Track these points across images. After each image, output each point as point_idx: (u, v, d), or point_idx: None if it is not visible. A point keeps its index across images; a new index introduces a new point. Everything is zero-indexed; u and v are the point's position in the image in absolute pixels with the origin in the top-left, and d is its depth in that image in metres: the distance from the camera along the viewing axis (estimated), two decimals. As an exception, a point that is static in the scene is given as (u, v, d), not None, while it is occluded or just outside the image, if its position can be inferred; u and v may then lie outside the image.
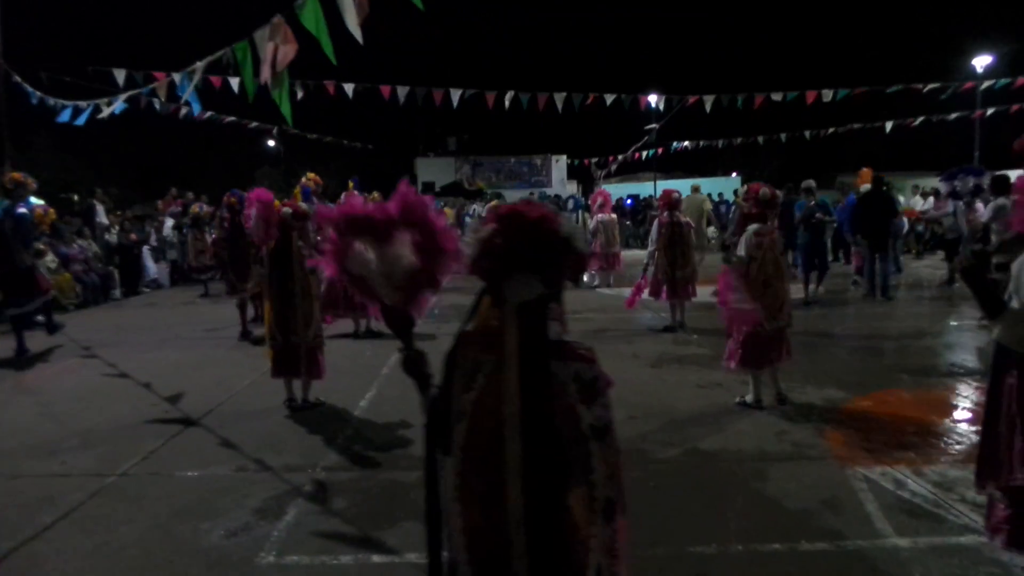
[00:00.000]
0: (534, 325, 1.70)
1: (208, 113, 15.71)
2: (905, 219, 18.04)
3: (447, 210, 23.03)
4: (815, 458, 4.27)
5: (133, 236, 14.42)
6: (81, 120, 9.01)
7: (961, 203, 9.95)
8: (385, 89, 12.78)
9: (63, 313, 11.24)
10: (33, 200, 14.84)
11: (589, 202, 14.31)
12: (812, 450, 4.40)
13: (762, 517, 3.53)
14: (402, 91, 12.81)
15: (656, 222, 8.61)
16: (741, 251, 5.07)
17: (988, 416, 2.50)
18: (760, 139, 22.10)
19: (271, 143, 36.00)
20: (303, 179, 13.27)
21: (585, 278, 12.88)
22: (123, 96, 7.90)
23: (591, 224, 11.97)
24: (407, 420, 5.06)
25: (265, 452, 4.52)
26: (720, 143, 23.47)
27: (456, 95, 12.98)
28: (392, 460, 4.39)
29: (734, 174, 34.89)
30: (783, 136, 21.44)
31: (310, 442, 4.75)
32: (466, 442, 1.72)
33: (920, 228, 18.04)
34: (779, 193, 5.60)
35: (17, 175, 8.22)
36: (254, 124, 18.60)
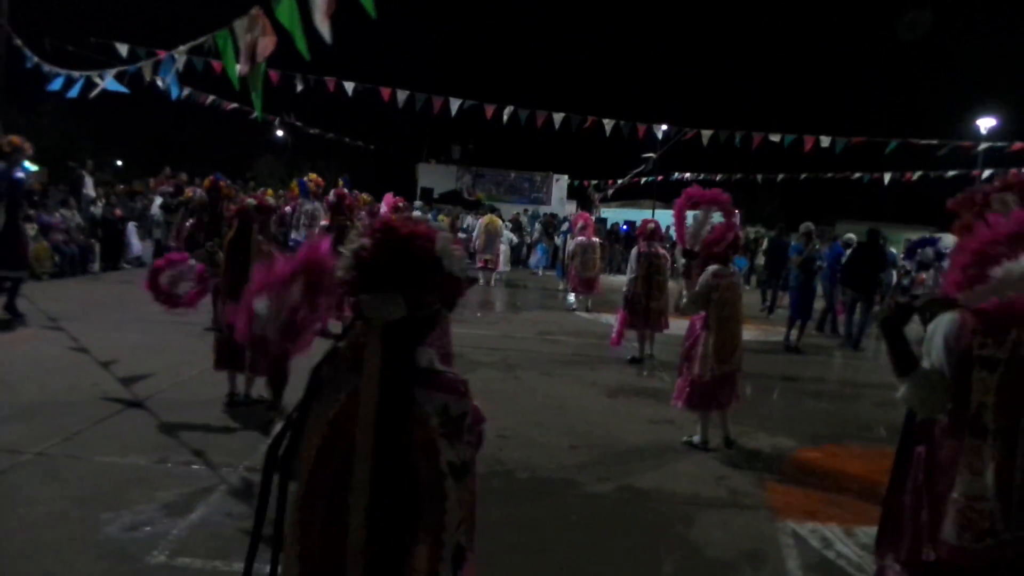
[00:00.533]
0: (399, 348, 1.62)
1: (211, 97, 15.69)
2: (894, 273, 18.09)
3: (442, 218, 23.00)
4: (748, 507, 4.18)
5: (118, 211, 14.32)
6: (73, 92, 8.95)
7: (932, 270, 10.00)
8: (385, 91, 12.76)
9: (37, 282, 11.15)
10: (28, 165, 14.82)
11: (570, 224, 14.27)
12: (747, 498, 4.31)
13: (678, 563, 3.44)
14: (402, 94, 12.80)
15: (634, 251, 8.56)
16: (699, 289, 4.98)
17: (893, 483, 2.41)
18: (759, 178, 22.15)
19: (279, 132, 36.03)
20: (305, 178, 13.25)
21: (570, 299, 12.84)
22: (112, 72, 7.85)
23: (569, 246, 11.91)
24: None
25: (191, 445, 4.42)
26: (719, 178, 23.51)
27: (455, 104, 12.96)
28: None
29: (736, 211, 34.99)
30: (780, 178, 21.47)
31: (240, 440, 4.65)
32: (315, 465, 1.63)
33: (906, 282, 18.01)
34: (742, 236, 5.55)
35: (15, 138, 8.16)
36: (255, 114, 18.47)
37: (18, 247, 7.92)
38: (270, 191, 16.38)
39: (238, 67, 5.16)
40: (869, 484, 4.69)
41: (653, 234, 8.45)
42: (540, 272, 19.89)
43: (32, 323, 7.93)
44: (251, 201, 5.11)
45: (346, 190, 10.65)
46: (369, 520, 1.56)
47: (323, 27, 4.29)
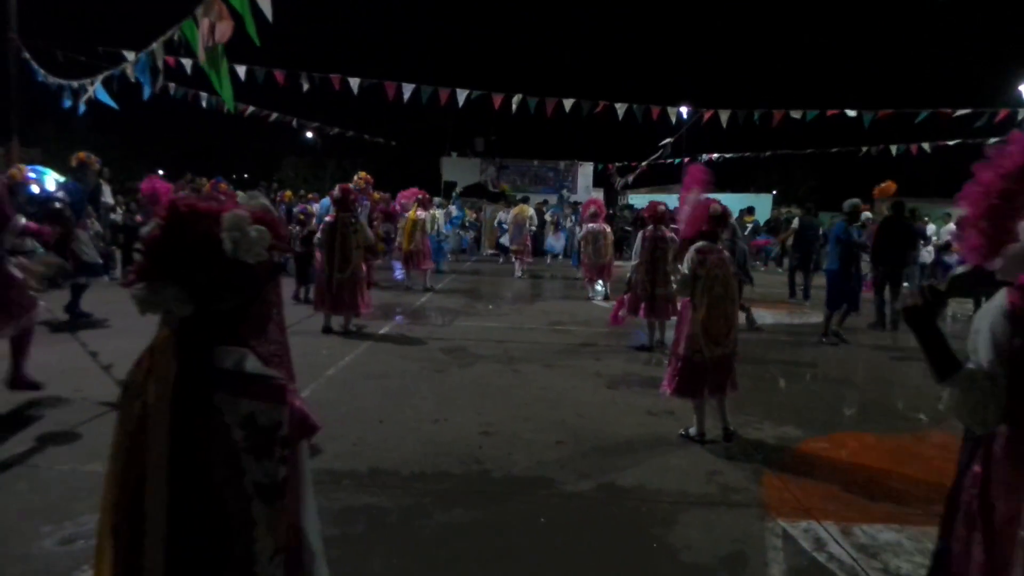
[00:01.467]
0: (195, 348, 1.39)
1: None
2: (932, 249, 17.26)
3: (467, 210, 22.80)
4: (738, 504, 3.87)
5: (139, 218, 14.45)
6: (78, 105, 9.03)
7: None
8: (390, 86, 12.57)
9: (57, 290, 11.30)
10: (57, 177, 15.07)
11: (580, 210, 13.96)
12: (738, 495, 3.99)
13: (647, 568, 3.16)
14: (408, 88, 12.59)
15: (640, 235, 8.22)
16: (684, 268, 4.70)
17: (947, 507, 1.91)
18: (792, 154, 21.38)
19: (309, 134, 36.32)
20: (355, 177, 13.03)
21: (598, 288, 12.50)
22: (100, 77, 7.84)
23: (579, 233, 11.58)
24: (328, 429, 4.76)
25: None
26: (750, 157, 22.80)
27: (463, 95, 12.70)
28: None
29: (774, 192, 33.98)
30: (808, 152, 20.70)
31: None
32: (120, 484, 1.42)
33: (948, 259, 17.19)
34: (730, 211, 5.19)
35: (82, 154, 8.66)
36: (274, 116, 18.48)
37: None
38: (289, 193, 16.46)
39: (199, 54, 5.06)
40: (877, 476, 4.36)
41: (663, 217, 8.09)
42: (554, 258, 19.87)
43: (41, 330, 7.98)
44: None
45: (351, 186, 10.52)
46: (168, 557, 1.33)
47: (266, 5, 4.12)
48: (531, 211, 16.47)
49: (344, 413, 5.18)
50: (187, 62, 11.53)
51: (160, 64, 6.20)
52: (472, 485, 3.99)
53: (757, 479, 4.23)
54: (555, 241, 20.63)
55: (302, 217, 11.23)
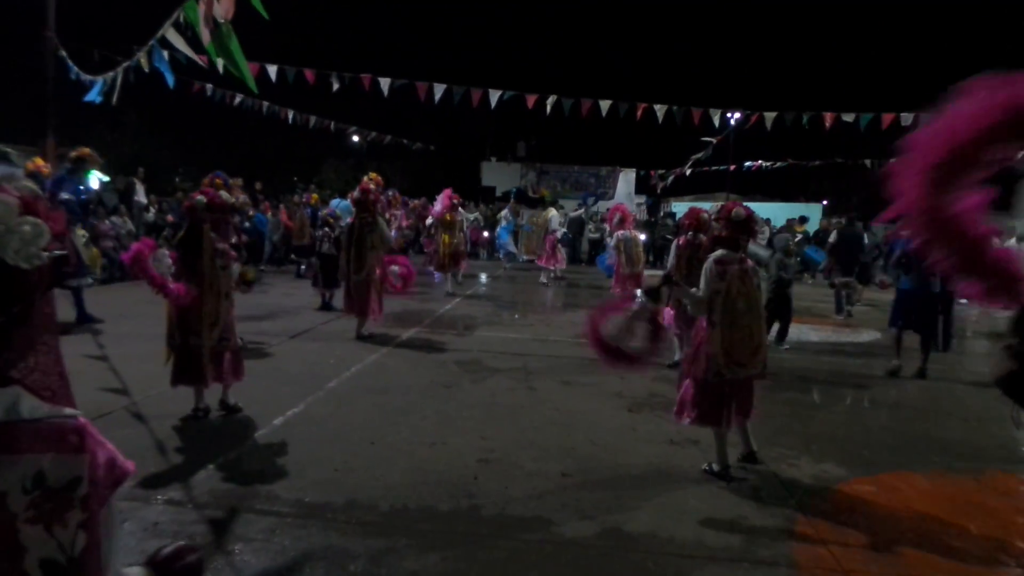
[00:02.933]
0: None
1: (265, 104, 15.79)
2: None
3: (477, 215, 22.37)
4: (763, 562, 3.31)
5: (170, 217, 14.48)
6: (93, 96, 8.91)
7: None
8: (422, 87, 12.27)
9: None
10: (101, 176, 15.26)
11: (607, 218, 13.35)
12: (766, 550, 3.43)
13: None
14: (439, 88, 12.27)
15: (675, 243, 7.65)
16: (701, 284, 4.18)
17: None
18: (843, 163, 20.40)
19: (355, 138, 36.53)
20: (365, 178, 12.91)
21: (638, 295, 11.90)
22: (120, 69, 7.69)
23: (611, 241, 11.04)
24: (313, 450, 4.40)
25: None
26: (801, 165, 21.86)
27: (495, 96, 12.32)
28: (250, 498, 3.71)
29: (824, 201, 32.70)
30: (868, 163, 19.71)
31: (173, 463, 4.14)
32: None
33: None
34: (757, 215, 4.65)
35: (85, 150, 8.28)
36: (313, 120, 18.39)
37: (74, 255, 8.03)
38: (315, 196, 16.35)
39: (202, 36, 4.79)
40: (931, 530, 3.74)
41: (704, 225, 7.48)
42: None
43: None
44: (200, 199, 4.64)
45: (372, 186, 10.22)
46: None
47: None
48: (553, 214, 15.71)
49: (333, 432, 4.78)
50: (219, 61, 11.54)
51: (184, 49, 5.94)
52: (457, 524, 3.53)
53: (789, 529, 3.66)
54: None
55: (331, 220, 10.98)
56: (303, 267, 14.26)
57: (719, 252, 4.23)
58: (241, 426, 4.83)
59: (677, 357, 7.45)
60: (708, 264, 4.20)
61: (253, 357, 6.89)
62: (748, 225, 4.25)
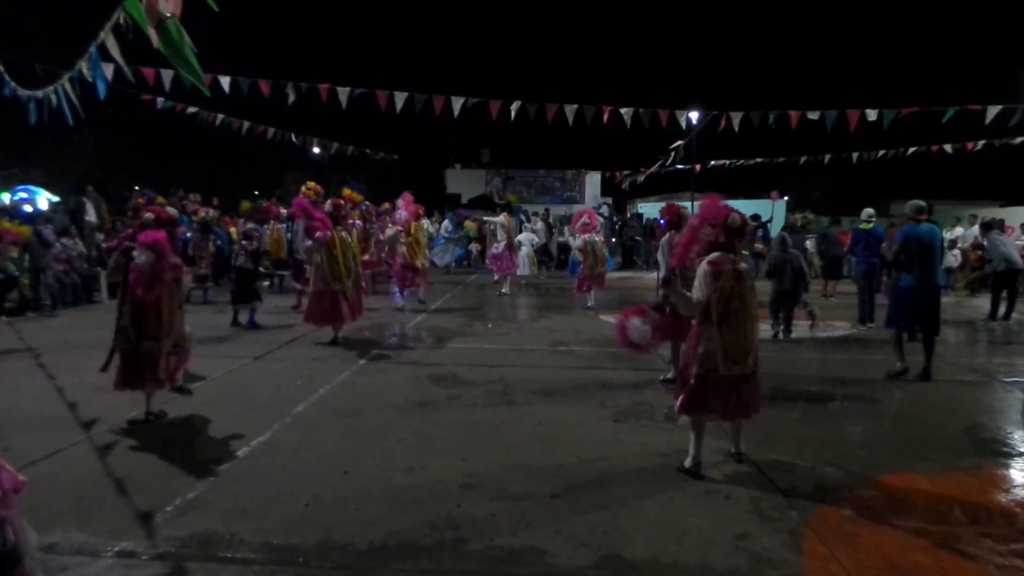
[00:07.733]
0: None
1: (220, 116, 15.28)
2: (957, 252, 16.39)
3: (468, 223, 22.16)
4: (775, 585, 3.08)
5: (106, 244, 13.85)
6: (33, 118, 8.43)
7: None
8: (382, 96, 11.91)
9: (34, 314, 10.78)
10: (49, 196, 14.47)
11: (572, 220, 13.14)
12: (775, 570, 3.19)
13: None
14: (400, 97, 11.92)
15: (665, 241, 7.37)
16: (697, 292, 4.07)
17: None
18: (803, 160, 20.55)
19: (316, 150, 35.94)
20: (303, 188, 12.60)
21: (590, 299, 11.75)
22: (60, 83, 7.22)
23: (576, 242, 10.89)
24: (281, 484, 4.06)
25: (68, 517, 3.55)
26: (763, 163, 21.97)
27: (458, 104, 12.02)
28: (212, 544, 3.35)
29: (785, 198, 33.06)
30: (827, 159, 19.91)
31: (126, 507, 3.74)
32: None
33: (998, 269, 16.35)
34: (749, 221, 4.56)
35: None
36: (271, 131, 17.86)
37: None
38: (245, 204, 15.93)
39: (152, 37, 4.41)
40: (941, 532, 3.55)
41: (683, 219, 7.25)
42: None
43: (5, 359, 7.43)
44: (149, 216, 4.34)
45: (341, 200, 9.86)
46: None
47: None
48: (502, 223, 14.62)
49: (303, 462, 4.44)
50: (169, 72, 11.04)
51: (118, 58, 5.52)
52: (443, 563, 3.23)
53: (796, 545, 3.44)
54: (443, 252, 19.68)
55: (255, 235, 10.58)
56: (270, 283, 13.85)
57: (713, 254, 4.19)
58: (201, 460, 4.45)
59: (671, 375, 7.20)
60: (702, 267, 4.17)
61: (216, 382, 6.50)
62: (743, 230, 4.26)
